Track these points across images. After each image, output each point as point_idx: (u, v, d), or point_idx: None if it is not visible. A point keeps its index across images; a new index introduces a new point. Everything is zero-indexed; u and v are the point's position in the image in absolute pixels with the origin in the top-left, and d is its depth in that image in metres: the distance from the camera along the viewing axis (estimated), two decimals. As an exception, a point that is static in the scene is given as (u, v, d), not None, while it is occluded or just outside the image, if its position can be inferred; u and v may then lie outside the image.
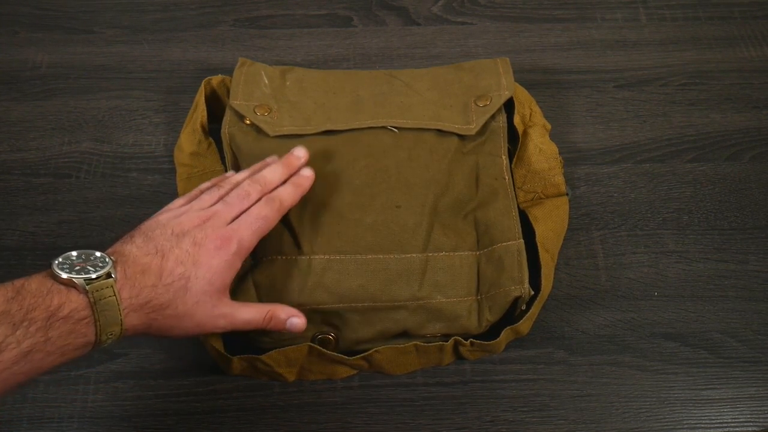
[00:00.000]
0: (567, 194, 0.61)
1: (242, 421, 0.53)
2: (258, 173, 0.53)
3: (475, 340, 0.54)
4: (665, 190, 0.65)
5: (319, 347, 0.53)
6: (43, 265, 0.60)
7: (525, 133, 0.63)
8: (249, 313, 0.49)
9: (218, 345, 0.53)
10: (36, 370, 0.40)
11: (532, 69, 0.74)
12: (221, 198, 0.51)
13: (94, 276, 0.41)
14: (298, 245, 0.55)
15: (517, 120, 0.63)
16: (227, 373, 0.55)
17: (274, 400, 0.54)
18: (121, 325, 0.42)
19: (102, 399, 0.54)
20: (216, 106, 0.66)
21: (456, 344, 0.54)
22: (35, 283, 0.41)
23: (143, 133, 0.69)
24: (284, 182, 0.54)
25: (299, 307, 0.53)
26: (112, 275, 0.42)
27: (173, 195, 0.64)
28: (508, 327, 0.54)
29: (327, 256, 0.54)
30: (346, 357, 0.54)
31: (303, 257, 0.54)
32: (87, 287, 0.41)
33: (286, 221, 0.56)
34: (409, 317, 0.54)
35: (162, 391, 0.55)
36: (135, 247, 0.45)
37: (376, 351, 0.53)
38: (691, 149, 0.68)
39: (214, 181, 0.55)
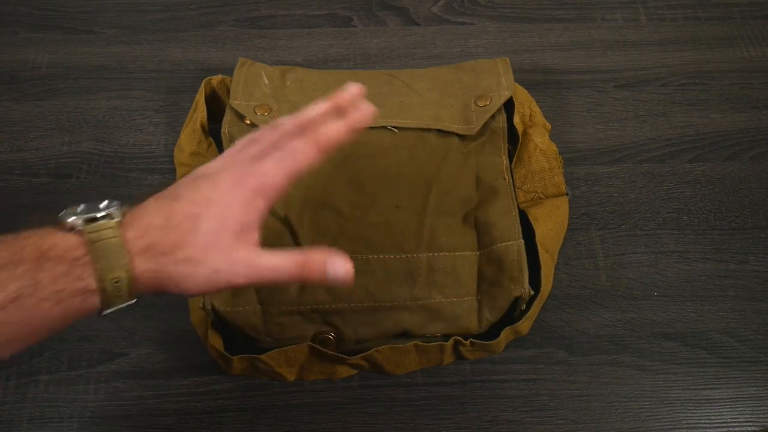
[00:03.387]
0: (567, 194, 0.61)
1: (242, 421, 0.53)
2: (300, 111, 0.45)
3: (475, 340, 0.54)
4: (665, 190, 0.65)
5: (319, 347, 0.53)
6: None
7: (525, 133, 0.63)
8: (275, 259, 0.40)
9: (218, 345, 0.53)
10: (30, 319, 0.35)
11: (532, 69, 0.74)
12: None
13: (93, 216, 0.38)
14: (298, 245, 0.55)
15: (517, 120, 0.63)
16: (227, 372, 0.55)
17: (274, 400, 0.54)
18: (128, 270, 0.37)
19: (102, 399, 0.54)
20: (216, 106, 0.66)
21: (456, 344, 0.54)
22: (31, 231, 0.37)
23: (143, 133, 0.69)
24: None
25: (299, 307, 0.53)
26: (115, 218, 0.38)
27: (173, 195, 0.64)
28: (508, 327, 0.54)
29: (327, 256, 0.54)
30: (346, 357, 0.54)
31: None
32: (83, 227, 0.37)
33: (285, 221, 0.56)
34: (409, 317, 0.54)
35: (162, 391, 0.55)
36: (153, 197, 0.41)
37: (376, 351, 0.53)
38: (690, 149, 0.68)
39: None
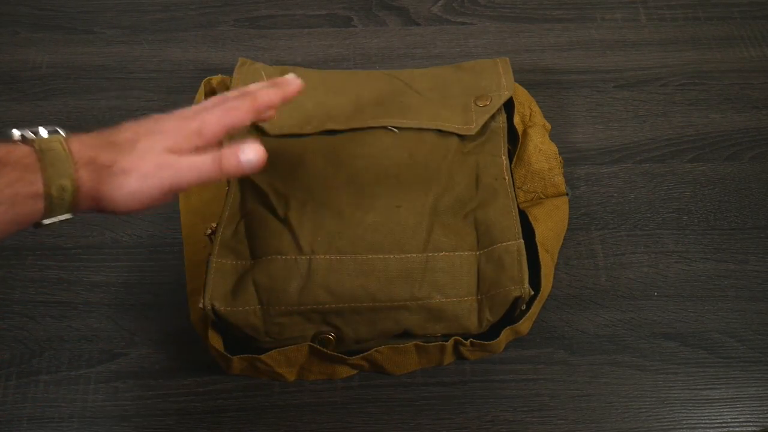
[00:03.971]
0: (567, 194, 0.61)
1: (242, 421, 0.53)
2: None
3: (475, 340, 0.54)
4: (665, 190, 0.65)
5: (319, 347, 0.53)
6: (44, 266, 0.60)
7: (525, 133, 0.63)
8: (193, 158, 0.44)
9: (218, 345, 0.53)
10: None
11: (532, 69, 0.74)
12: None
13: (43, 133, 0.42)
14: (298, 245, 0.55)
15: (517, 120, 0.63)
16: (227, 372, 0.55)
17: (274, 400, 0.54)
18: (72, 178, 0.41)
19: (102, 399, 0.54)
20: (216, 106, 0.66)
21: (456, 344, 0.54)
22: None
23: (143, 133, 0.69)
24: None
25: (299, 307, 0.53)
26: (61, 133, 0.43)
27: (173, 195, 0.64)
28: (508, 327, 0.54)
29: (327, 256, 0.54)
30: (346, 357, 0.54)
31: (303, 257, 0.54)
32: (34, 139, 0.41)
33: (285, 221, 0.56)
34: (409, 317, 0.54)
35: (162, 391, 0.55)
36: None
37: (376, 351, 0.53)
38: (690, 149, 0.68)
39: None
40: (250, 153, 0.45)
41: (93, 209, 0.43)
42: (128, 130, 0.44)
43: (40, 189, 0.40)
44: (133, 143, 0.43)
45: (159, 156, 0.43)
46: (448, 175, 0.59)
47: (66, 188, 0.41)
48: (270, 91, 0.49)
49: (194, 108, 0.47)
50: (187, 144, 0.44)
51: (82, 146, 0.42)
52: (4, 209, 0.39)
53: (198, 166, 0.44)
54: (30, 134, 0.42)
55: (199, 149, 0.45)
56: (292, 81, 0.50)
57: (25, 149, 0.40)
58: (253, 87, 0.50)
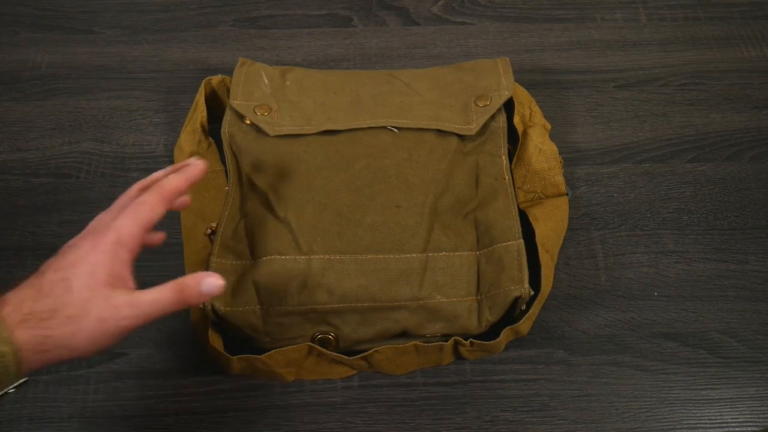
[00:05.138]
0: (567, 194, 0.61)
1: (242, 421, 0.53)
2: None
3: (475, 340, 0.54)
4: (665, 190, 0.65)
5: (319, 347, 0.53)
6: (43, 265, 0.60)
7: (525, 133, 0.63)
8: (153, 293, 0.43)
9: (218, 345, 0.53)
10: None
11: (532, 69, 0.74)
12: None
13: None
14: (297, 245, 0.55)
15: (517, 120, 0.63)
16: (227, 373, 0.55)
17: (274, 400, 0.54)
18: (11, 343, 0.38)
19: (102, 399, 0.54)
20: (216, 106, 0.66)
21: (456, 344, 0.54)
22: None
23: (143, 133, 0.69)
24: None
25: (299, 307, 0.53)
26: None
27: (173, 195, 0.64)
28: (508, 327, 0.54)
29: (327, 256, 0.54)
30: (346, 357, 0.54)
31: (303, 257, 0.54)
32: None
33: (285, 221, 0.56)
34: (409, 317, 0.54)
35: (162, 391, 0.55)
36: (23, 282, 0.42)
37: (375, 351, 0.53)
38: (691, 149, 0.68)
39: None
40: (213, 285, 0.44)
41: (52, 362, 0.41)
42: (50, 269, 0.42)
43: None
44: (64, 283, 0.41)
45: (108, 297, 0.42)
46: (448, 175, 0.59)
47: (6, 354, 0.38)
48: (174, 178, 0.47)
49: (102, 218, 0.46)
50: (118, 262, 0.43)
51: (13, 305, 0.40)
52: None
53: (160, 301, 0.43)
54: None
55: (132, 258, 0.44)
56: (195, 164, 0.49)
57: None
58: (156, 175, 0.49)
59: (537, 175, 0.61)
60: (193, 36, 0.77)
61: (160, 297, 0.43)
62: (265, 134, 0.61)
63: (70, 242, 0.44)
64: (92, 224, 0.46)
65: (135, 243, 0.44)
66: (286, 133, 0.61)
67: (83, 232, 0.45)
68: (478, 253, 0.56)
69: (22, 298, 0.40)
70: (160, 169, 0.65)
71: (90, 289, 0.41)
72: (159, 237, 0.49)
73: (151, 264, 0.61)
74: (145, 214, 0.45)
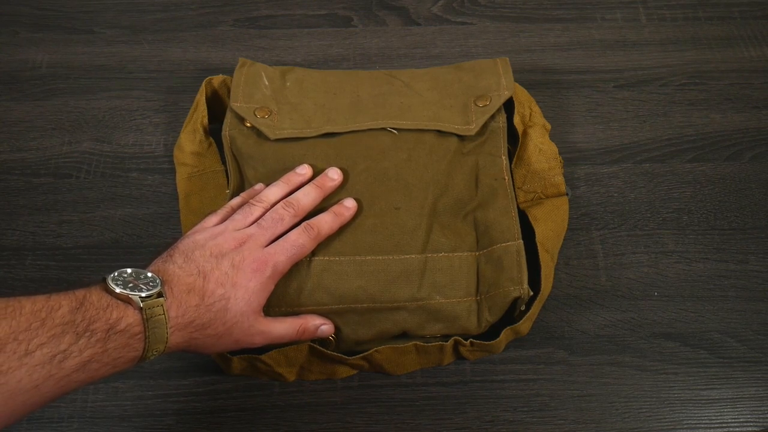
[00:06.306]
0: (567, 194, 0.61)
1: (242, 421, 0.53)
2: (292, 196, 0.55)
3: (475, 340, 0.54)
4: (665, 190, 0.65)
5: (319, 347, 0.53)
6: (44, 266, 0.60)
7: (525, 133, 0.63)
8: (283, 328, 0.51)
9: (218, 345, 0.53)
10: (90, 379, 0.41)
11: (532, 69, 0.74)
12: (255, 220, 0.53)
13: (145, 294, 0.43)
14: (298, 245, 0.55)
15: (516, 120, 0.63)
16: (227, 372, 0.55)
17: (274, 400, 0.54)
18: (167, 342, 0.44)
19: (102, 399, 0.54)
20: (217, 106, 0.66)
21: (456, 344, 0.54)
22: (95, 295, 0.43)
23: (143, 133, 0.69)
24: (321, 206, 0.56)
25: (299, 307, 0.53)
26: (163, 295, 0.44)
27: (173, 195, 0.64)
28: (508, 327, 0.54)
29: (326, 258, 0.54)
30: (346, 357, 0.54)
31: (303, 258, 0.54)
32: (141, 304, 0.43)
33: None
34: (409, 318, 0.54)
35: (162, 391, 0.55)
36: (177, 267, 0.47)
37: (376, 351, 0.53)
38: (691, 149, 0.68)
39: (243, 196, 0.56)
40: (326, 330, 0.53)
41: (178, 351, 0.47)
42: (212, 279, 0.47)
43: (140, 354, 0.43)
44: (225, 303, 0.47)
45: (251, 324, 0.49)
46: (447, 176, 0.59)
47: (159, 350, 0.44)
48: (329, 222, 0.54)
49: (256, 236, 0.51)
50: (267, 294, 0.50)
51: (179, 309, 0.45)
52: (107, 369, 0.42)
53: (283, 335, 0.51)
54: (135, 294, 0.43)
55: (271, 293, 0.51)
56: (348, 207, 0.55)
57: (135, 317, 0.43)
58: (303, 201, 0.54)
59: (537, 175, 0.61)
60: (193, 36, 0.77)
61: (285, 333, 0.51)
62: (266, 137, 0.61)
63: (219, 242, 0.49)
64: (249, 236, 0.51)
65: (281, 277, 0.51)
66: (287, 136, 0.61)
67: (235, 237, 0.50)
68: (477, 253, 0.56)
69: (188, 305, 0.45)
70: (163, 168, 0.66)
71: (242, 314, 0.48)
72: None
73: (151, 264, 0.61)
74: (299, 257, 0.52)
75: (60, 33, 0.77)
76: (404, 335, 0.55)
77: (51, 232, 0.62)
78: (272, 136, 0.60)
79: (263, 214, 0.53)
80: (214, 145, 0.65)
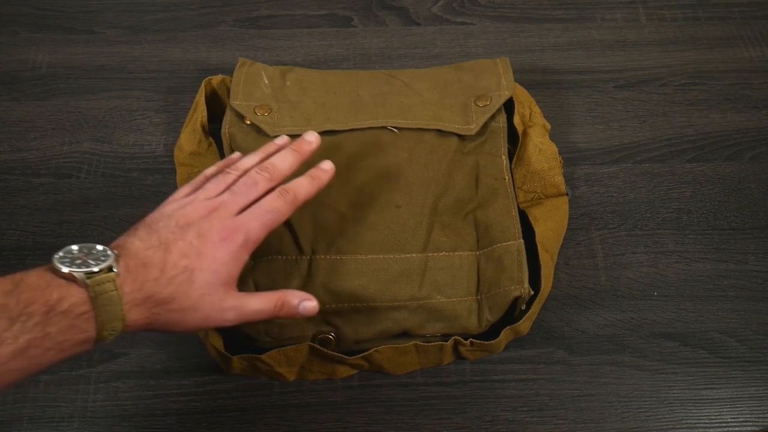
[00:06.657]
0: (567, 194, 0.61)
1: (242, 421, 0.53)
2: (267, 160, 0.50)
3: (475, 340, 0.54)
4: (665, 190, 0.65)
5: (319, 347, 0.53)
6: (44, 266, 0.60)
7: (525, 133, 0.64)
8: (258, 303, 0.46)
9: (218, 344, 0.53)
10: (34, 366, 0.38)
11: (532, 69, 0.74)
12: (228, 187, 0.48)
13: (95, 270, 0.40)
14: (298, 245, 0.55)
15: (517, 120, 0.63)
16: (227, 372, 0.55)
17: (274, 400, 0.54)
18: (123, 320, 0.40)
19: (102, 399, 0.54)
20: (216, 106, 0.66)
21: (456, 344, 0.54)
22: (34, 276, 0.40)
23: (143, 133, 0.69)
24: (297, 171, 0.51)
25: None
26: (114, 269, 0.40)
27: (173, 195, 0.64)
28: (508, 327, 0.54)
29: (327, 256, 0.54)
30: (346, 357, 0.54)
31: (303, 257, 0.54)
32: (87, 281, 0.39)
33: (286, 221, 0.56)
34: (409, 317, 0.54)
35: (162, 391, 0.55)
36: (138, 239, 0.43)
37: (376, 351, 0.53)
38: (690, 149, 0.68)
39: (219, 165, 0.52)
40: (309, 306, 0.48)
41: (146, 332, 0.44)
42: (174, 250, 0.43)
43: (92, 335, 0.40)
44: (189, 274, 0.43)
45: (221, 299, 0.44)
46: (447, 175, 0.59)
47: (116, 329, 0.41)
48: (305, 184, 0.49)
49: (227, 202, 0.46)
50: (239, 264, 0.46)
51: (135, 283, 0.41)
52: (52, 354, 0.38)
53: (258, 310, 0.46)
54: (80, 271, 0.40)
55: (246, 263, 0.47)
56: (325, 169, 0.51)
57: (79, 296, 0.39)
58: (279, 165, 0.50)
59: (537, 175, 0.61)
60: (193, 36, 0.77)
61: (262, 309, 0.46)
62: (266, 135, 0.61)
63: (188, 212, 0.45)
64: (221, 207, 0.46)
65: (255, 246, 0.47)
66: (287, 133, 0.61)
67: (200, 204, 0.46)
68: (478, 253, 0.56)
69: (145, 278, 0.41)
70: (163, 168, 0.66)
71: (209, 286, 0.44)
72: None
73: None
74: (274, 223, 0.47)
75: (60, 33, 0.77)
76: (404, 335, 0.55)
77: (51, 232, 0.62)
78: (272, 133, 0.61)
79: (237, 181, 0.49)
80: (214, 145, 0.65)
